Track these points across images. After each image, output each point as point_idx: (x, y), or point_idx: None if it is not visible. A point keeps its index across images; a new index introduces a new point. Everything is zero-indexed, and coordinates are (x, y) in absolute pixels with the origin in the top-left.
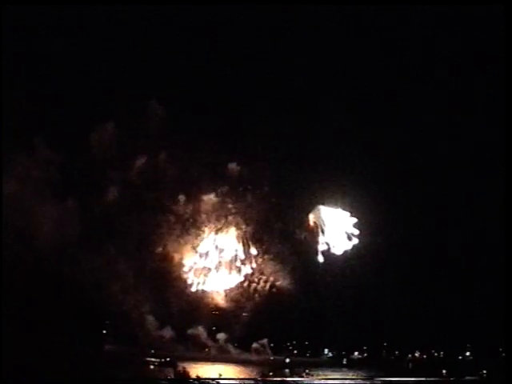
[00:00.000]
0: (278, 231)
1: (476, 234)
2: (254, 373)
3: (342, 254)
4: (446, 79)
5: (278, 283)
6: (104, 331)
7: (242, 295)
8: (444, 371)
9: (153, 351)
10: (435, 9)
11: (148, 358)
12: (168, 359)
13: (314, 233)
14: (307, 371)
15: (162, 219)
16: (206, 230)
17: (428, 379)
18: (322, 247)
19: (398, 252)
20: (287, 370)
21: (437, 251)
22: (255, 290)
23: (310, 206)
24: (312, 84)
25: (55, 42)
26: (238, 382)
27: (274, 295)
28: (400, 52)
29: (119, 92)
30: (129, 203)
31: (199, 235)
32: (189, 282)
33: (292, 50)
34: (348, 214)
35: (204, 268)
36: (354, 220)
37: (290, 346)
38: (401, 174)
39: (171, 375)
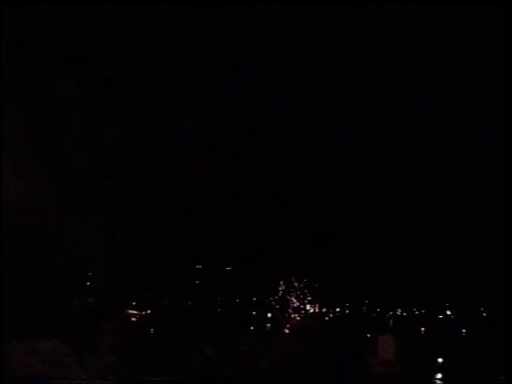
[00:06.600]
0: None
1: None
2: None
3: None
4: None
5: None
6: (88, 283)
7: None
8: (422, 329)
9: (134, 303)
10: (434, 9)
11: (130, 311)
12: (149, 311)
13: None
14: (288, 326)
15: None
16: None
17: None
18: None
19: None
20: (269, 325)
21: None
22: None
23: None
24: None
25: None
26: None
27: None
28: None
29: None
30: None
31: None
32: None
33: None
34: None
35: None
36: None
37: (272, 300)
38: None
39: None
